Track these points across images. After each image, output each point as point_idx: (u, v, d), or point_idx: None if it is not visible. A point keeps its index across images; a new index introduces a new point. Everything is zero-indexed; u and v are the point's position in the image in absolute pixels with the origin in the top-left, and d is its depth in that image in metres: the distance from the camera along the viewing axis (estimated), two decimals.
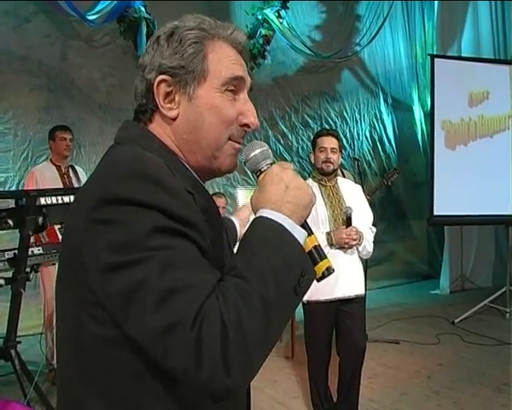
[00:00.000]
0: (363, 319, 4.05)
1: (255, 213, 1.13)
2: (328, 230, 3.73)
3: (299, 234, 1.08)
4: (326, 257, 1.15)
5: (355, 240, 3.66)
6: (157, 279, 0.94)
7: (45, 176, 5.10)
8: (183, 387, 1.06)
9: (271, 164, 1.21)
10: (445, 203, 7.28)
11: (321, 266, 1.14)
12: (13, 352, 3.61)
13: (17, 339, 3.71)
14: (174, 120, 1.19)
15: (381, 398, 4.49)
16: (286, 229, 1.06)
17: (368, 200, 5.33)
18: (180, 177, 1.11)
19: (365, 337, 4.04)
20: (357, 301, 3.83)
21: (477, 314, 6.84)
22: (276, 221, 1.06)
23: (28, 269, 3.59)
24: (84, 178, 5.25)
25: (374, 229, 3.92)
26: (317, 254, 1.14)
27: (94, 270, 1.00)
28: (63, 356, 1.16)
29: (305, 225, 1.13)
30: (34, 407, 3.51)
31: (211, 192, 5.97)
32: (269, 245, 1.03)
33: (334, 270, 1.15)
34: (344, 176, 5.67)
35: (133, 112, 1.25)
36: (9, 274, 3.54)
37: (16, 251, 3.50)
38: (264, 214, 1.08)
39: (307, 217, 1.15)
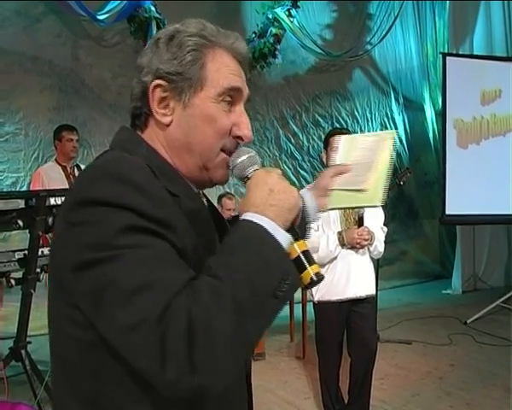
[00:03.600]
0: (375, 319, 4.02)
1: None
2: (339, 229, 3.70)
3: (283, 237, 1.06)
4: (315, 263, 1.12)
5: (366, 240, 3.64)
6: (125, 277, 0.93)
7: (51, 176, 5.12)
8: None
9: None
10: (457, 202, 7.23)
11: (308, 273, 1.11)
12: (23, 352, 3.63)
13: (27, 339, 3.72)
14: (167, 126, 1.18)
15: (393, 399, 4.46)
16: (267, 231, 1.04)
17: None
18: (166, 180, 1.11)
19: (376, 338, 4.01)
20: (369, 301, 3.81)
21: (489, 315, 6.79)
22: (257, 223, 1.05)
23: (38, 269, 3.60)
24: None
25: (385, 229, 3.90)
26: (305, 260, 1.11)
27: (67, 269, 1.01)
28: (52, 359, 1.17)
29: (293, 230, 1.12)
30: (44, 408, 3.52)
31: (221, 192, 5.99)
32: (247, 246, 1.02)
33: (323, 276, 1.12)
34: None
35: (129, 114, 1.25)
36: (20, 275, 3.55)
37: (26, 252, 3.51)
38: (246, 217, 1.07)
39: (296, 221, 1.14)
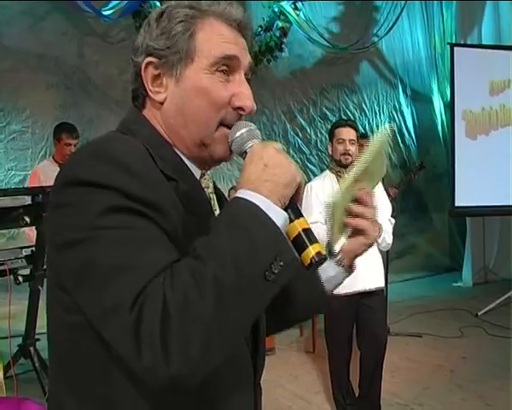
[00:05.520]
0: (384, 311, 4.00)
1: None
2: None
3: (277, 215, 0.98)
4: (317, 242, 1.03)
5: (374, 232, 3.60)
6: (105, 257, 0.91)
7: (48, 175, 5.05)
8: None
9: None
10: (466, 194, 7.19)
11: (309, 252, 1.02)
12: (32, 349, 3.63)
13: (36, 336, 3.73)
14: (162, 104, 1.14)
15: (404, 392, 4.44)
16: (259, 208, 0.96)
17: (395, 193, 5.32)
18: (164, 163, 1.07)
19: (386, 330, 3.99)
20: (378, 293, 3.79)
21: (501, 307, 6.73)
22: (248, 200, 0.97)
23: (46, 266, 3.59)
24: None
25: (392, 220, 3.87)
26: (305, 238, 1.02)
27: (53, 250, 1.01)
28: (48, 346, 1.15)
29: (294, 206, 1.04)
30: None
31: (229, 186, 5.99)
32: (236, 226, 0.95)
33: (326, 256, 1.04)
34: None
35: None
36: (27, 271, 3.55)
37: (33, 248, 3.50)
38: (239, 194, 1.00)
39: (297, 197, 1.06)
